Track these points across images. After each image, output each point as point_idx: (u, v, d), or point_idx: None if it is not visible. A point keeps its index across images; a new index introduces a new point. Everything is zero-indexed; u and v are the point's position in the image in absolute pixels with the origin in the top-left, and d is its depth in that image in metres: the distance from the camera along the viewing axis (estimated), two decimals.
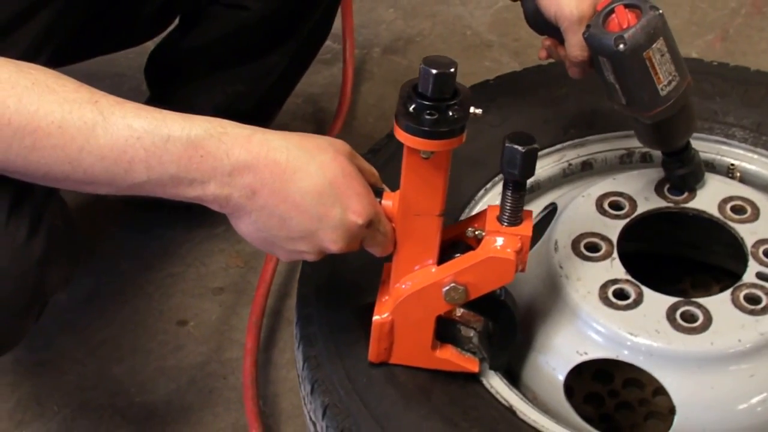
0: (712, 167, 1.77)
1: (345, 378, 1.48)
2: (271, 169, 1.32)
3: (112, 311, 2.06)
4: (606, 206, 1.67)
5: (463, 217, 1.68)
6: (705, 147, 1.78)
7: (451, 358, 1.48)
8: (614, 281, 1.56)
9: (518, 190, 1.38)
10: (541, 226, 1.70)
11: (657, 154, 1.71)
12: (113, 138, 1.28)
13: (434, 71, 1.28)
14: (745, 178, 1.77)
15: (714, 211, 1.66)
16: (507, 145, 1.35)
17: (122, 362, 1.97)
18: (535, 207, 1.76)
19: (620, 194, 1.69)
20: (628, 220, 1.65)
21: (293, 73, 2.11)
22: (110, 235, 2.19)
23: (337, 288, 1.59)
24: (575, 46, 1.56)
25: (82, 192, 1.37)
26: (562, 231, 1.64)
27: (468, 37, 2.71)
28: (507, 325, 1.48)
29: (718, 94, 1.85)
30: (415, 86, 1.31)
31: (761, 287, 1.55)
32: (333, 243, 1.36)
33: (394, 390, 1.47)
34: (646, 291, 1.55)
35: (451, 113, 1.30)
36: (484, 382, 1.50)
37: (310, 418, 1.52)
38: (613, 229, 1.64)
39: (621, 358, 1.51)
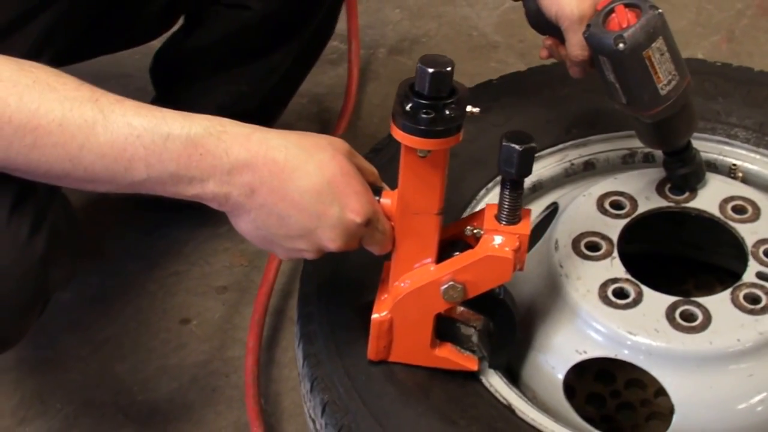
0: (714, 167, 1.77)
1: (344, 376, 1.48)
2: (269, 168, 1.32)
3: (115, 310, 2.06)
4: (607, 206, 1.67)
5: (464, 216, 1.69)
6: (707, 147, 1.78)
7: (450, 356, 1.48)
8: (614, 280, 1.56)
9: (516, 188, 1.39)
10: (543, 226, 1.70)
11: (659, 154, 1.70)
12: (113, 136, 1.29)
13: (431, 70, 1.28)
14: (747, 179, 1.77)
15: (715, 210, 1.66)
16: (504, 143, 1.35)
17: (125, 360, 1.98)
18: (538, 207, 1.76)
19: (621, 194, 1.69)
20: (628, 219, 1.65)
21: (297, 72, 2.12)
22: (115, 234, 2.20)
23: (339, 286, 1.60)
24: (576, 46, 1.56)
25: (84, 190, 1.38)
26: (563, 230, 1.64)
27: (474, 38, 2.72)
28: (506, 323, 1.49)
29: (721, 95, 1.85)
30: (412, 85, 1.31)
31: (761, 287, 1.55)
32: (331, 241, 1.37)
33: (393, 388, 1.47)
34: (646, 290, 1.55)
35: (447, 112, 1.30)
36: (484, 380, 1.50)
37: (310, 416, 1.52)
38: (614, 228, 1.64)
39: (620, 357, 1.52)
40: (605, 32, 1.49)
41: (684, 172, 1.66)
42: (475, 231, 1.43)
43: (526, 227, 1.41)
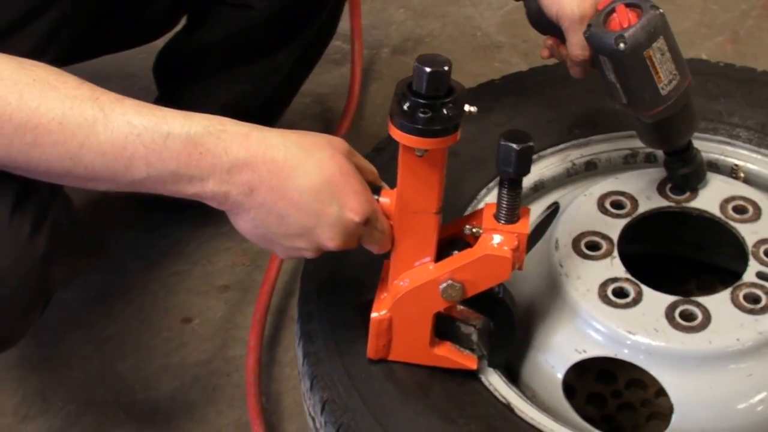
0: (716, 168, 1.77)
1: (344, 374, 1.49)
2: (268, 167, 1.33)
3: (117, 309, 2.07)
4: (607, 205, 1.67)
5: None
6: (709, 147, 1.78)
7: (449, 355, 1.49)
8: (614, 280, 1.56)
9: (514, 187, 1.39)
10: (544, 226, 1.70)
11: (661, 154, 1.70)
12: (113, 134, 1.30)
13: (428, 69, 1.29)
14: (749, 179, 1.77)
15: (716, 210, 1.66)
16: (502, 143, 1.35)
17: (126, 359, 1.98)
18: (539, 207, 1.76)
19: (622, 193, 1.69)
20: (629, 219, 1.65)
21: (300, 72, 2.12)
22: (118, 233, 2.20)
23: (339, 285, 1.60)
24: (576, 46, 1.56)
25: (86, 190, 1.39)
26: (563, 230, 1.64)
27: (478, 38, 2.72)
28: (505, 322, 1.49)
29: (723, 95, 1.85)
30: (410, 84, 1.31)
31: (761, 287, 1.55)
32: (330, 240, 1.37)
33: (392, 386, 1.47)
34: (646, 290, 1.55)
35: (445, 111, 1.30)
36: (483, 379, 1.50)
37: (310, 414, 1.53)
38: (614, 228, 1.64)
39: (619, 356, 1.52)
40: (606, 32, 1.49)
41: (685, 172, 1.66)
42: (474, 230, 1.44)
43: (524, 226, 1.41)
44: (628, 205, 1.67)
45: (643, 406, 1.78)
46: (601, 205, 1.67)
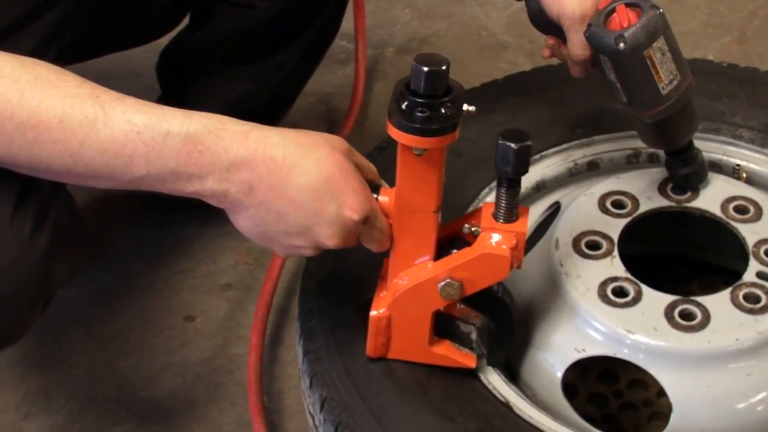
0: (719, 168, 1.77)
1: (343, 372, 1.49)
2: (268, 165, 1.33)
3: (120, 307, 2.07)
4: (608, 205, 1.67)
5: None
6: (712, 147, 1.78)
7: (448, 353, 1.49)
8: (614, 279, 1.56)
9: (513, 186, 1.39)
10: (545, 225, 1.70)
11: (663, 155, 1.70)
12: (113, 132, 1.30)
13: (426, 68, 1.29)
14: (752, 179, 1.77)
15: (716, 210, 1.66)
16: (500, 142, 1.35)
17: (129, 357, 1.99)
18: (541, 206, 1.76)
19: (623, 193, 1.69)
20: (629, 219, 1.65)
21: (303, 71, 2.12)
22: (122, 232, 2.21)
23: (340, 283, 1.60)
24: (577, 45, 1.56)
25: (87, 187, 1.39)
26: (564, 229, 1.64)
27: (483, 38, 2.71)
28: (504, 321, 1.49)
29: (726, 95, 1.85)
30: (408, 84, 1.32)
31: (761, 286, 1.55)
32: (329, 238, 1.37)
33: (391, 384, 1.48)
34: (645, 289, 1.55)
35: (443, 110, 1.31)
36: (482, 378, 1.50)
37: (309, 412, 1.53)
38: (615, 227, 1.64)
39: (619, 355, 1.52)
40: (606, 32, 1.50)
41: (686, 171, 1.66)
42: (472, 229, 1.44)
43: (523, 225, 1.41)
44: (629, 204, 1.67)
45: (644, 407, 1.78)
46: (602, 205, 1.67)
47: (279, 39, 2.01)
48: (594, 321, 1.53)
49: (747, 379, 1.49)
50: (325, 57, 2.19)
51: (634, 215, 1.66)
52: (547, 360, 1.55)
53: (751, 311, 1.52)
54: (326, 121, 2.43)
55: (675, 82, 1.52)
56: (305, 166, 1.34)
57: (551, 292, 1.58)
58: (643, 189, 1.69)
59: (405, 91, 1.32)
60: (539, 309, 1.58)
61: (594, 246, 1.62)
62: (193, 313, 2.07)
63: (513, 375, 1.57)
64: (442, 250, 1.44)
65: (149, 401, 1.93)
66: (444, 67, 1.30)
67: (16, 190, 1.39)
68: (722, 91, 1.85)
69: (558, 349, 1.54)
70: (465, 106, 1.32)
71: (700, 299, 1.53)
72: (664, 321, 1.51)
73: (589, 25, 1.52)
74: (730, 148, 1.79)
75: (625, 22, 1.48)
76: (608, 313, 1.53)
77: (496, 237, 1.41)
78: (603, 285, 1.56)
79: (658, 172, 1.71)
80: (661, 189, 1.69)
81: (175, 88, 2.11)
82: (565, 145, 1.81)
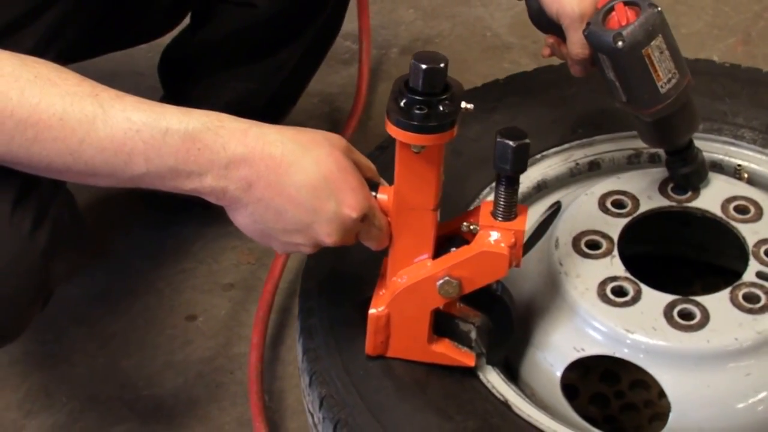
0: (720, 168, 1.77)
1: (342, 370, 1.49)
2: (266, 163, 1.33)
3: (123, 306, 2.08)
4: (608, 204, 1.67)
5: None
6: (713, 148, 1.78)
7: (447, 352, 1.49)
8: (613, 278, 1.56)
9: (511, 185, 1.39)
10: (545, 225, 1.70)
11: (664, 155, 1.70)
12: (113, 130, 1.31)
13: (424, 66, 1.29)
14: (753, 179, 1.77)
15: (717, 210, 1.66)
16: (498, 140, 1.36)
17: (131, 356, 1.99)
18: (542, 206, 1.76)
19: (623, 193, 1.68)
20: (630, 218, 1.65)
21: (304, 70, 2.12)
22: (125, 232, 2.21)
23: (340, 282, 1.60)
24: (576, 44, 1.57)
25: (89, 187, 1.39)
26: (564, 228, 1.64)
27: (488, 39, 2.71)
28: (503, 320, 1.49)
29: (728, 95, 1.84)
30: (407, 81, 1.32)
31: (761, 286, 1.55)
32: (328, 236, 1.38)
33: (390, 382, 1.48)
34: (645, 289, 1.55)
35: (441, 108, 1.31)
36: (481, 376, 1.50)
37: (309, 410, 1.53)
38: (615, 227, 1.64)
39: (618, 354, 1.51)
40: (604, 30, 1.50)
41: (686, 171, 1.66)
42: (471, 227, 1.44)
43: (522, 223, 1.41)
44: (629, 204, 1.67)
45: (645, 407, 1.78)
46: (602, 204, 1.67)
47: (280, 38, 2.01)
48: (593, 320, 1.52)
49: (746, 379, 1.49)
50: (329, 57, 2.20)
51: (635, 215, 1.66)
52: (546, 359, 1.55)
53: (750, 311, 1.51)
54: (329, 122, 2.43)
55: (674, 81, 1.52)
56: (304, 164, 1.34)
57: (551, 292, 1.58)
58: (644, 189, 1.69)
59: (404, 88, 1.32)
60: (539, 308, 1.58)
61: (594, 245, 1.61)
62: (195, 312, 2.07)
63: (512, 374, 1.57)
64: (441, 249, 1.44)
65: (151, 400, 1.93)
66: (442, 65, 1.30)
67: (16, 188, 1.40)
68: (724, 91, 1.85)
69: (557, 349, 1.54)
70: (463, 104, 1.33)
71: (700, 299, 1.53)
72: (663, 320, 1.51)
73: (588, 24, 1.52)
74: (732, 148, 1.79)
75: (624, 20, 1.48)
76: (607, 313, 1.52)
77: (494, 235, 1.41)
78: (602, 284, 1.56)
79: (659, 172, 1.71)
80: (662, 189, 1.69)
81: (177, 87, 2.11)
82: (566, 145, 1.81)
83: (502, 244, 1.40)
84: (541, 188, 1.78)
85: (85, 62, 1.71)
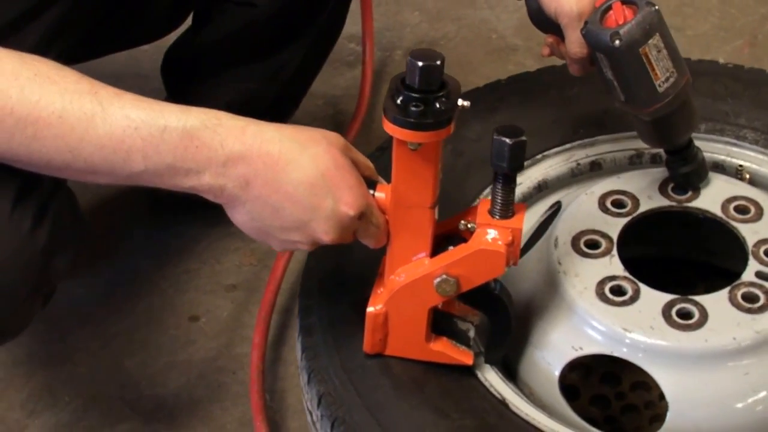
0: (722, 168, 1.77)
1: (340, 368, 1.50)
2: (264, 160, 1.34)
3: (126, 306, 2.08)
4: (608, 204, 1.67)
5: None
6: (715, 148, 1.78)
7: (445, 350, 1.49)
8: (612, 278, 1.56)
9: (508, 182, 1.39)
10: (545, 225, 1.70)
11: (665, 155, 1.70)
12: (111, 128, 1.31)
13: (420, 63, 1.30)
14: (755, 180, 1.76)
15: (717, 210, 1.66)
16: (495, 137, 1.36)
17: (134, 356, 2.00)
18: (543, 206, 1.76)
19: (623, 192, 1.69)
20: (629, 218, 1.65)
21: (307, 71, 2.12)
22: (129, 232, 2.22)
23: (340, 281, 1.61)
24: (575, 43, 1.57)
25: (93, 187, 1.40)
26: (563, 228, 1.64)
27: (493, 41, 2.71)
28: (501, 319, 1.49)
29: (731, 96, 1.84)
30: (404, 79, 1.32)
31: (760, 286, 1.55)
32: (325, 234, 1.38)
33: (388, 381, 1.48)
34: (643, 288, 1.55)
35: (438, 105, 1.31)
36: (479, 375, 1.50)
37: (307, 408, 1.54)
38: (614, 226, 1.64)
39: (616, 354, 1.52)
40: (602, 29, 1.50)
41: (686, 170, 1.66)
42: (469, 225, 1.44)
43: (519, 221, 1.42)
44: (629, 204, 1.67)
45: (646, 409, 1.78)
46: (602, 204, 1.67)
47: (280, 37, 2.01)
48: (591, 319, 1.53)
49: (744, 379, 1.48)
50: (333, 59, 2.20)
51: (634, 215, 1.66)
52: (544, 358, 1.55)
53: (749, 311, 1.51)
54: (333, 124, 2.43)
55: (672, 80, 1.52)
56: (301, 162, 1.35)
57: (549, 291, 1.58)
58: (644, 188, 1.69)
59: (400, 86, 1.33)
60: (537, 307, 1.58)
61: (593, 245, 1.62)
62: (198, 313, 2.08)
63: (511, 373, 1.57)
64: (439, 247, 1.45)
65: (153, 400, 1.94)
66: (438, 62, 1.30)
67: (17, 186, 1.40)
68: (726, 91, 1.85)
69: (556, 348, 1.55)
70: (460, 101, 1.33)
71: (698, 298, 1.53)
72: (661, 320, 1.51)
73: (586, 23, 1.52)
74: (734, 149, 1.79)
75: (621, 19, 1.49)
76: (606, 312, 1.52)
77: (491, 233, 1.41)
78: (601, 284, 1.56)
79: (659, 172, 1.71)
80: (662, 189, 1.69)
81: (179, 88, 2.12)
82: (567, 145, 1.81)
83: (500, 242, 1.40)
84: (542, 188, 1.79)
85: (89, 64, 1.72)
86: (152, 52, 2.24)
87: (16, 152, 1.33)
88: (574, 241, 1.62)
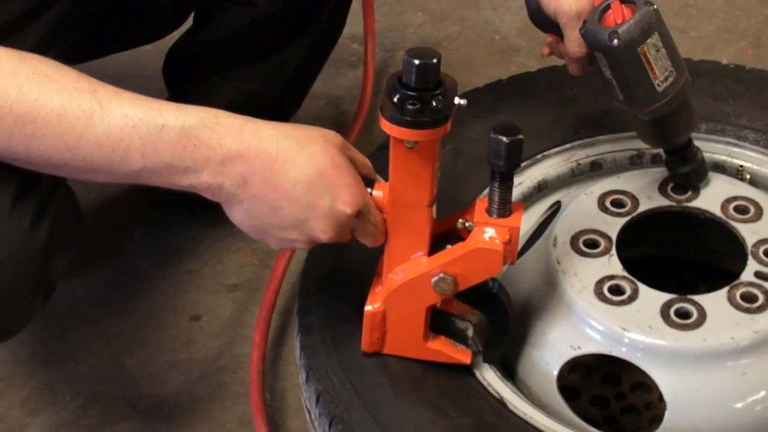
0: (723, 169, 1.77)
1: (338, 367, 1.50)
2: (261, 159, 1.34)
3: (128, 306, 2.08)
4: (608, 204, 1.67)
5: None
6: (716, 149, 1.78)
7: (443, 349, 1.49)
8: (610, 277, 1.56)
9: (505, 181, 1.39)
10: (545, 224, 1.70)
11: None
12: (110, 126, 1.32)
13: (417, 61, 1.30)
14: (756, 180, 1.76)
15: (716, 210, 1.65)
16: (492, 136, 1.36)
17: (135, 355, 2.00)
18: (543, 206, 1.76)
19: (623, 192, 1.68)
20: (629, 218, 1.65)
21: (307, 71, 2.13)
22: (130, 232, 2.22)
23: (339, 280, 1.61)
24: (574, 42, 1.57)
25: (94, 186, 1.40)
26: (562, 227, 1.64)
27: (496, 42, 2.71)
28: (500, 318, 1.49)
29: (732, 96, 1.84)
30: (400, 77, 1.32)
31: (759, 286, 1.54)
32: (322, 232, 1.38)
33: (386, 379, 1.48)
34: (642, 287, 1.55)
35: (434, 103, 1.31)
36: (478, 374, 1.50)
37: (306, 406, 1.54)
38: (613, 226, 1.63)
39: (614, 353, 1.51)
40: (600, 28, 1.50)
41: (685, 170, 1.66)
42: (467, 224, 1.44)
43: (517, 220, 1.42)
44: (629, 203, 1.67)
45: (646, 409, 1.78)
46: (601, 204, 1.67)
47: (280, 37, 2.01)
48: (590, 319, 1.52)
49: (743, 378, 1.48)
50: (335, 60, 2.20)
51: (634, 214, 1.66)
52: (543, 357, 1.55)
53: (747, 310, 1.51)
54: (336, 124, 2.43)
55: (671, 79, 1.52)
56: (299, 160, 1.35)
57: (548, 290, 1.58)
58: (643, 188, 1.69)
59: (397, 84, 1.33)
60: (536, 306, 1.58)
61: (592, 244, 1.61)
62: (199, 312, 2.08)
63: (509, 372, 1.57)
64: (437, 246, 1.45)
65: (153, 399, 1.94)
66: (435, 60, 1.31)
67: (17, 184, 1.41)
68: (728, 92, 1.85)
69: (554, 347, 1.54)
70: (456, 100, 1.33)
71: (697, 298, 1.53)
72: (659, 319, 1.51)
73: (585, 22, 1.52)
74: (735, 149, 1.79)
75: (619, 18, 1.49)
76: (604, 311, 1.52)
77: (489, 232, 1.41)
78: (600, 283, 1.56)
79: (659, 172, 1.71)
80: (662, 188, 1.69)
81: (181, 88, 2.12)
82: (568, 145, 1.81)
83: (497, 241, 1.40)
84: (542, 188, 1.78)
85: (92, 64, 1.72)
86: (154, 53, 2.25)
87: (15, 150, 1.33)
88: (573, 241, 1.62)
